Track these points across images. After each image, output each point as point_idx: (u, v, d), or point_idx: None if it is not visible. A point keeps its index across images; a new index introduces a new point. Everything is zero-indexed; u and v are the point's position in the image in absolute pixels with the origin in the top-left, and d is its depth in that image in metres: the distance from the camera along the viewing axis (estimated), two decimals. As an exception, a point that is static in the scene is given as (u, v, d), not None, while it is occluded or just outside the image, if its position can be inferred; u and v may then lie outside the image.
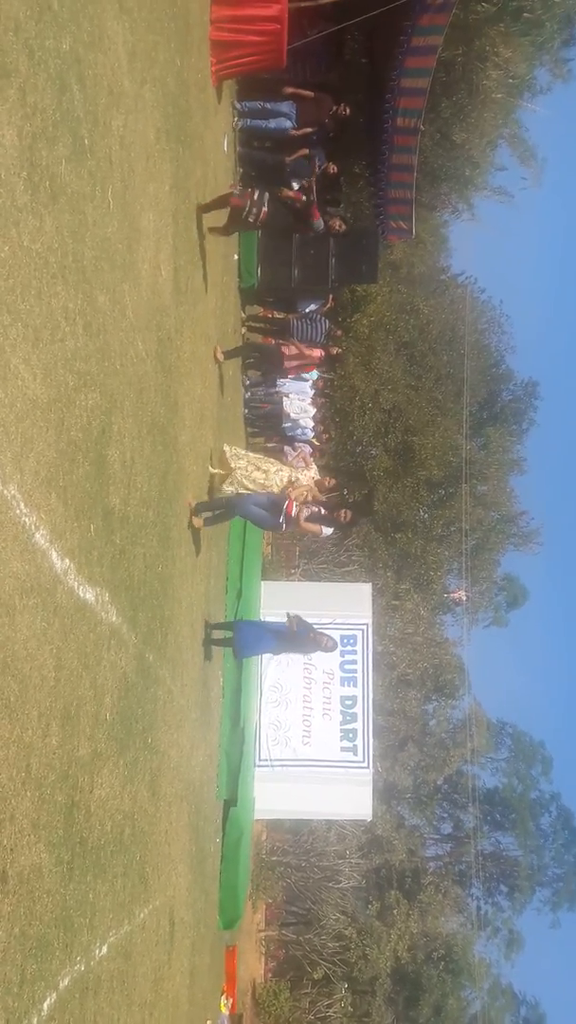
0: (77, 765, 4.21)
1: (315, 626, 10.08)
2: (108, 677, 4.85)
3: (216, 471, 9.52)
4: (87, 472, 4.39)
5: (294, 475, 9.55)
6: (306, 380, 14.19)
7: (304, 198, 12.13)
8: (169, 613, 7.06)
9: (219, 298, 10.78)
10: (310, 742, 14.27)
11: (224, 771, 11.73)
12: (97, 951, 4.60)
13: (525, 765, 42.41)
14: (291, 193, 12.86)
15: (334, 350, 14.21)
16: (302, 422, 14.13)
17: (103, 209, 4.72)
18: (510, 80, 20.40)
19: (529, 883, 39.71)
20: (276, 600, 13.43)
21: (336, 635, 11.58)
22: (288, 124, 13.12)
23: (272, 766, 13.93)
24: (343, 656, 14.54)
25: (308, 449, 14.34)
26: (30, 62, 3.55)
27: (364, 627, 14.79)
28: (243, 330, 14.15)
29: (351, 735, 14.46)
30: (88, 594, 4.43)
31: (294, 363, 13.42)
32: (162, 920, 6.85)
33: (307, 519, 9.11)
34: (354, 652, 14.71)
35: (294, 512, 9.10)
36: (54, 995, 3.80)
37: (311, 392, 14.41)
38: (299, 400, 14.15)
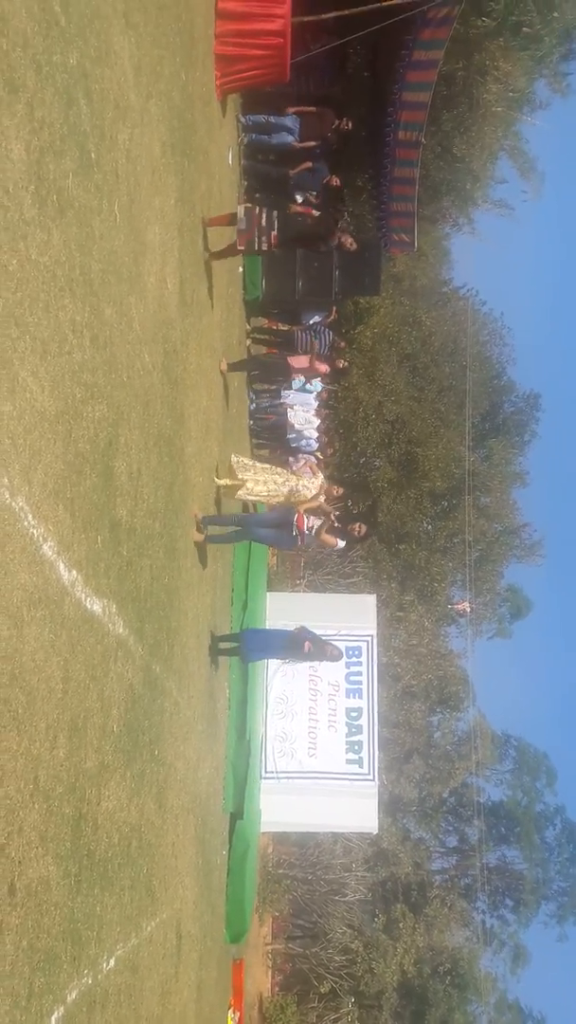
0: (84, 777, 4.21)
1: (321, 637, 10.10)
2: (115, 689, 4.84)
3: (222, 482, 9.54)
4: (94, 484, 4.40)
5: (301, 483, 9.55)
6: (310, 392, 14.22)
7: (314, 212, 12.18)
8: (175, 625, 7.06)
9: (224, 310, 10.82)
10: (316, 754, 14.23)
11: (230, 783, 11.69)
12: (105, 964, 4.58)
13: (530, 777, 42.29)
14: (300, 208, 12.93)
15: (339, 363, 14.25)
16: (306, 433, 14.15)
17: (110, 222, 4.74)
18: (510, 93, 20.54)
19: (534, 896, 39.54)
20: (281, 611, 13.43)
21: (341, 646, 11.56)
22: (291, 139, 13.21)
23: (278, 778, 13.90)
24: (348, 668, 14.52)
25: (313, 460, 14.35)
26: (38, 77, 3.58)
27: (369, 638, 14.77)
28: (248, 342, 14.20)
29: (357, 747, 14.42)
30: (95, 606, 4.43)
31: (302, 371, 13.52)
32: (169, 933, 6.82)
33: (326, 532, 9.15)
34: (359, 664, 14.69)
35: (305, 525, 9.11)
36: (62, 1009, 3.78)
37: (315, 403, 14.44)
38: (303, 411, 14.17)
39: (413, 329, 27.72)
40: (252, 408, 14.75)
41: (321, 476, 10.20)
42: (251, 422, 14.76)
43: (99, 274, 4.49)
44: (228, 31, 10.03)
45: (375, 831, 16.67)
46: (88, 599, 4.29)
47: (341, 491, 10.03)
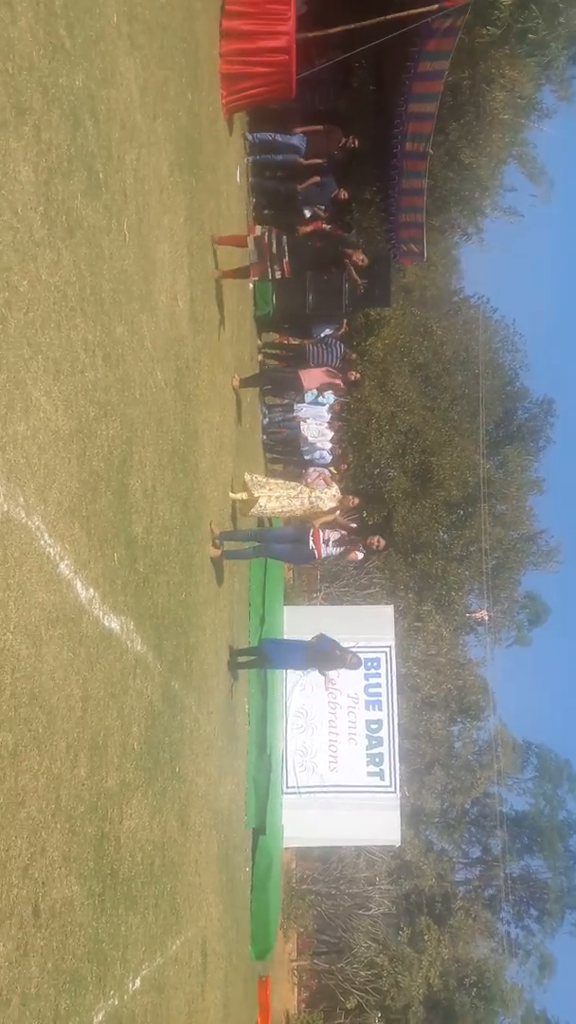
0: (106, 796, 4.20)
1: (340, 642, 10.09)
2: (135, 706, 4.84)
3: (238, 495, 9.55)
4: (109, 501, 4.40)
5: (315, 495, 9.54)
6: (323, 404, 14.25)
7: (324, 227, 12.22)
8: (194, 641, 7.05)
9: (235, 327, 10.85)
10: (337, 767, 14.18)
11: (252, 799, 11.65)
12: (130, 984, 4.56)
13: (552, 785, 41.97)
14: (307, 229, 12.98)
15: (352, 376, 14.28)
16: (320, 445, 14.17)
17: (119, 242, 4.77)
18: (518, 100, 20.59)
19: (559, 906, 39.18)
20: (299, 625, 13.39)
21: (360, 658, 11.53)
22: (298, 158, 13.32)
23: (300, 793, 13.85)
24: (367, 679, 14.47)
25: (327, 473, 14.36)
26: (44, 99, 3.60)
27: (387, 649, 14.72)
28: (260, 357, 14.23)
29: (378, 759, 14.35)
30: (113, 623, 4.43)
31: (321, 380, 13.56)
32: (194, 952, 6.79)
33: (346, 547, 9.21)
34: (378, 675, 14.64)
35: (321, 538, 9.13)
36: (88, 1030, 3.77)
37: (328, 416, 14.45)
38: (316, 424, 14.19)
39: (424, 339, 27.72)
40: (265, 423, 14.79)
41: (336, 487, 10.20)
42: (264, 437, 14.80)
43: (110, 293, 4.51)
44: (233, 50, 10.09)
45: (398, 843, 16.59)
46: (106, 616, 4.29)
47: (357, 501, 10.01)
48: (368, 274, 13.49)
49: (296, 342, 15.14)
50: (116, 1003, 4.24)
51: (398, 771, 14.43)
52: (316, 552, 9.19)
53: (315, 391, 13.82)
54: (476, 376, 27.95)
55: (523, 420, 31.82)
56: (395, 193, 16.02)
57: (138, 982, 4.73)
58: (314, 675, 12.15)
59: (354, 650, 10.90)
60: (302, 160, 13.34)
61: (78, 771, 3.75)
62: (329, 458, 14.34)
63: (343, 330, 14.74)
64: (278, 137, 13.16)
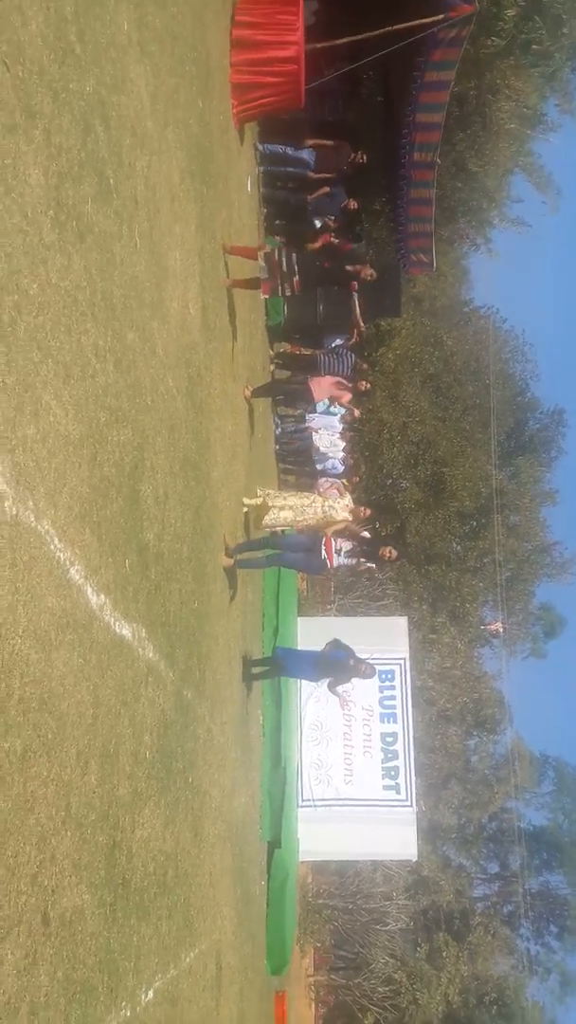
0: (117, 805, 4.15)
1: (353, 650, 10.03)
2: (147, 714, 4.79)
3: (252, 502, 9.52)
4: (121, 508, 4.38)
5: (328, 503, 9.51)
6: (335, 414, 14.24)
7: (332, 239, 12.23)
8: (206, 650, 7.01)
9: (247, 336, 10.85)
10: (352, 780, 14.08)
11: (267, 812, 11.57)
12: (143, 996, 4.50)
13: (571, 800, 41.61)
14: (315, 245, 13.00)
15: (363, 386, 14.27)
16: (331, 455, 14.16)
17: (130, 248, 4.76)
18: (524, 110, 20.64)
19: (579, 922, 38.75)
20: (312, 636, 13.32)
21: (374, 667, 11.47)
22: (307, 172, 13.38)
23: (315, 806, 13.75)
24: (382, 692, 14.38)
25: (340, 483, 14.34)
26: (54, 104, 3.60)
27: (402, 661, 14.65)
28: (271, 367, 14.24)
29: (393, 773, 14.25)
30: (124, 630, 4.40)
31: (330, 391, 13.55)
32: (209, 964, 6.72)
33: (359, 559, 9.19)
34: (392, 687, 14.55)
35: (333, 548, 9.10)
36: (101, 1043, 3.71)
37: (340, 427, 14.45)
38: (328, 435, 14.19)
39: (435, 349, 27.73)
40: (278, 433, 14.80)
41: (349, 497, 10.16)
42: (277, 447, 14.80)
43: (121, 299, 4.50)
44: (243, 60, 10.14)
45: (415, 858, 16.43)
46: (117, 623, 4.26)
47: (369, 512, 9.97)
48: (378, 285, 13.48)
49: (307, 352, 15.15)
50: (128, 1014, 4.18)
51: (414, 785, 14.32)
52: (328, 561, 9.14)
53: (327, 401, 13.81)
54: (487, 386, 27.91)
55: (535, 431, 31.77)
56: (404, 203, 16.03)
57: (151, 994, 4.66)
58: (326, 690, 12.10)
59: (368, 661, 10.84)
60: (312, 174, 13.41)
61: (88, 778, 3.71)
62: (341, 468, 14.32)
63: (354, 340, 14.74)
64: (288, 150, 13.23)
